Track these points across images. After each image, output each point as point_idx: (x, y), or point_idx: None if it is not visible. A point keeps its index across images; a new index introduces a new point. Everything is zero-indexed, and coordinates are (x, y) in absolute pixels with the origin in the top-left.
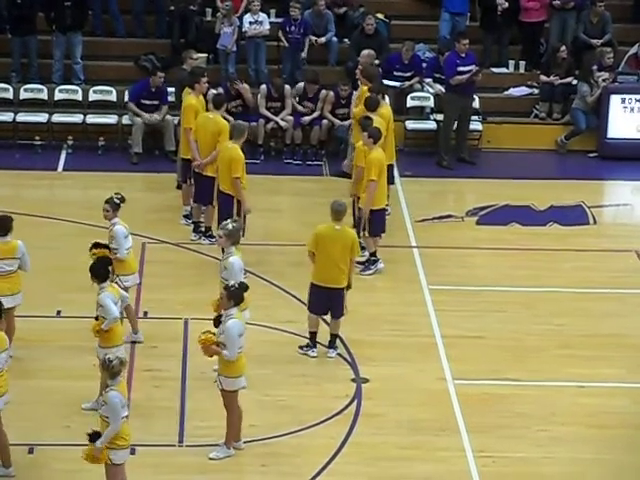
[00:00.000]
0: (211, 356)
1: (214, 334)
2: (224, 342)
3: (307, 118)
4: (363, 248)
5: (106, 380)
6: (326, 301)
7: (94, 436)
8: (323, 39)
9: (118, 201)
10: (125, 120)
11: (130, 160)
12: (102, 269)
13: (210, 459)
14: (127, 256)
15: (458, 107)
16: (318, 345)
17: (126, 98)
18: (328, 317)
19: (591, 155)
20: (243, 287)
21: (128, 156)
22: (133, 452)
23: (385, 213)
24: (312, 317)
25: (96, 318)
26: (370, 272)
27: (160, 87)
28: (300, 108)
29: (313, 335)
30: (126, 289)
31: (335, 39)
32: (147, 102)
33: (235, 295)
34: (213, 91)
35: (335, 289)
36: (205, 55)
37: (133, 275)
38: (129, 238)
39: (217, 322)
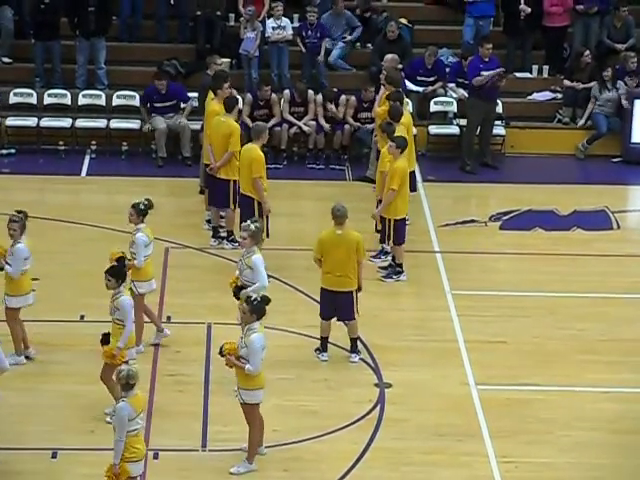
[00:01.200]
0: (231, 367)
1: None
2: (246, 356)
3: (327, 125)
4: (386, 253)
5: (120, 391)
6: (334, 305)
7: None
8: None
9: (143, 207)
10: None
11: (156, 163)
12: (121, 270)
13: (230, 474)
14: (143, 264)
15: (481, 112)
16: (341, 350)
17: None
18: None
19: (615, 160)
20: (265, 300)
21: (152, 160)
22: (156, 457)
23: (406, 222)
24: (323, 322)
25: (103, 340)
26: (392, 280)
27: (171, 88)
28: (322, 121)
29: (324, 340)
30: (141, 295)
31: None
32: (159, 105)
33: (258, 309)
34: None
35: (342, 292)
36: (228, 60)
37: (148, 282)
38: (150, 247)
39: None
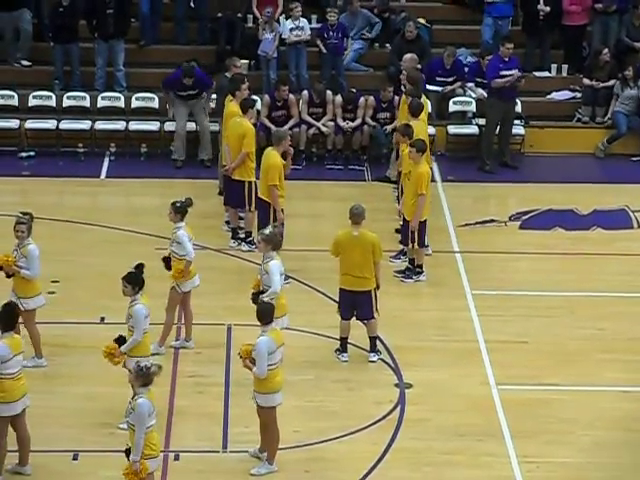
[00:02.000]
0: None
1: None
2: (255, 358)
3: (351, 124)
4: (405, 254)
5: (137, 387)
6: (353, 305)
7: (129, 451)
8: (353, 124)
9: (180, 205)
10: (167, 127)
11: (174, 165)
12: (139, 278)
13: (251, 475)
14: (193, 256)
15: (500, 111)
16: (361, 351)
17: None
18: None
19: (635, 159)
20: (272, 306)
21: (171, 162)
22: (177, 458)
23: (427, 224)
24: (342, 323)
25: (118, 341)
26: (411, 281)
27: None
28: (340, 121)
29: (343, 340)
30: (185, 293)
31: (353, 52)
32: (183, 94)
33: (261, 312)
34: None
35: (360, 292)
36: (246, 61)
37: (190, 280)
38: (192, 243)
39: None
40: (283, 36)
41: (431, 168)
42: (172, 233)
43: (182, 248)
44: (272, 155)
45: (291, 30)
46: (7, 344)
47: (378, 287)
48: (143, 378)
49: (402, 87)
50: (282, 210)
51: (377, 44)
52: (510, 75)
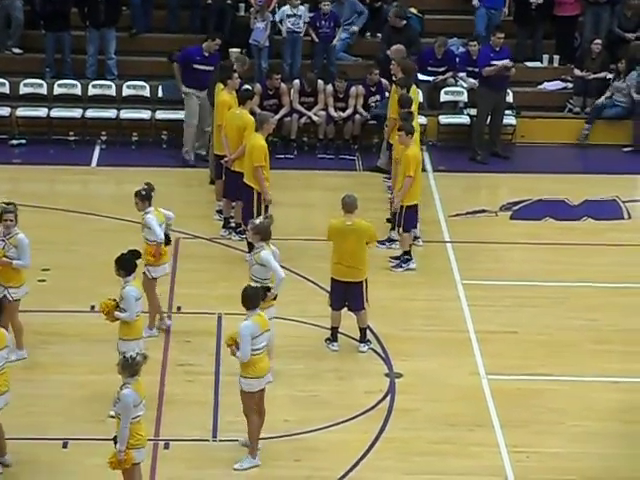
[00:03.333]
0: (233, 355)
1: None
2: (239, 342)
3: (342, 114)
4: (393, 241)
5: (124, 377)
6: (344, 295)
7: (117, 439)
8: (344, 114)
9: (144, 192)
10: (159, 115)
11: (188, 159)
12: (131, 262)
13: (234, 470)
14: (163, 238)
15: (491, 101)
16: (351, 340)
17: (159, 93)
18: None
19: (626, 149)
20: (257, 290)
21: (162, 150)
22: (167, 446)
23: (417, 208)
24: (333, 313)
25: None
26: (401, 270)
27: (214, 54)
28: (332, 111)
29: (334, 330)
30: (154, 279)
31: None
32: (200, 67)
33: (249, 298)
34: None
35: (352, 283)
36: (238, 50)
37: (163, 265)
38: (163, 227)
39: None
40: (281, 24)
41: (422, 158)
42: (142, 218)
43: (151, 233)
44: (256, 137)
45: (288, 17)
46: None
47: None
48: (129, 368)
49: (392, 77)
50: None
51: (368, 34)
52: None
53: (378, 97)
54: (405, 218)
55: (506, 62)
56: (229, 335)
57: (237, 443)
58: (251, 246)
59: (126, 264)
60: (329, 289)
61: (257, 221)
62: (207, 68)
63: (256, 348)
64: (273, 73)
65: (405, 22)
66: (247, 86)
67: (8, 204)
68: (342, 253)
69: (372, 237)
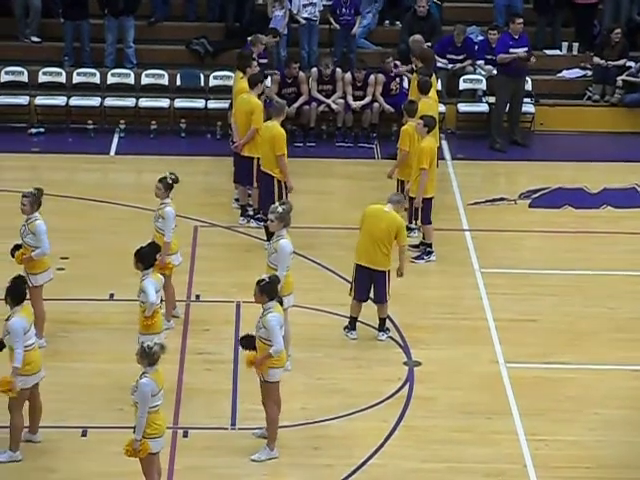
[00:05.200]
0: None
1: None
2: (266, 337)
3: (359, 103)
4: (410, 229)
5: (143, 367)
6: (368, 284)
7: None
8: (362, 103)
9: (171, 181)
10: (177, 103)
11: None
12: (150, 255)
13: (252, 460)
14: (172, 239)
15: (509, 89)
16: (370, 329)
17: (178, 81)
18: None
19: None
20: (274, 281)
21: (181, 138)
22: (186, 435)
23: (432, 201)
24: (354, 302)
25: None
26: (423, 262)
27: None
28: (350, 100)
29: (353, 319)
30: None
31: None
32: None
33: (266, 289)
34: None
35: (377, 271)
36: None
37: (174, 255)
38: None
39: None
40: (295, 12)
41: (440, 146)
42: (158, 209)
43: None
44: (274, 126)
45: (304, 6)
46: (24, 315)
47: (401, 274)
48: (148, 358)
49: (413, 66)
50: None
51: (387, 21)
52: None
53: (398, 82)
54: (423, 210)
55: (521, 52)
56: (247, 357)
57: (253, 435)
58: (269, 234)
59: (146, 257)
60: (351, 278)
61: (280, 209)
62: (263, 61)
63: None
64: (292, 62)
65: (428, 10)
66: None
67: (37, 189)
68: (372, 238)
69: (401, 238)
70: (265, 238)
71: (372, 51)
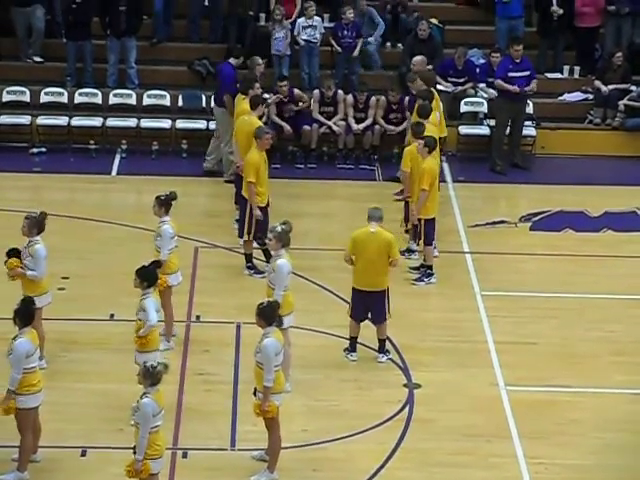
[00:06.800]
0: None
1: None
2: (261, 361)
3: (360, 125)
4: (412, 251)
5: (145, 387)
6: (366, 305)
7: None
8: (372, 39)
9: (164, 198)
10: (179, 124)
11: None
12: (152, 273)
13: None
14: (167, 257)
15: (509, 112)
16: (370, 350)
17: (180, 102)
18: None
19: None
20: (273, 306)
21: (181, 159)
22: (185, 456)
23: (435, 222)
24: (352, 323)
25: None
26: (423, 284)
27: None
28: (352, 122)
29: (353, 340)
30: (169, 287)
31: (374, 45)
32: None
33: (264, 314)
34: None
35: (375, 292)
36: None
37: (175, 275)
38: (174, 239)
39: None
40: (296, 34)
41: (441, 168)
42: (157, 227)
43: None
44: (251, 152)
45: (304, 29)
46: (29, 338)
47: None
48: (151, 378)
49: (409, 89)
50: (266, 207)
51: (389, 43)
52: (520, 77)
53: (399, 115)
54: (425, 231)
55: (514, 88)
56: (256, 405)
57: (252, 458)
58: (268, 255)
59: (149, 276)
60: (350, 299)
61: (279, 228)
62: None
63: (277, 364)
64: (278, 81)
65: (429, 33)
66: (267, 95)
67: (40, 213)
68: (367, 262)
69: (394, 253)
70: (264, 259)
71: (374, 73)
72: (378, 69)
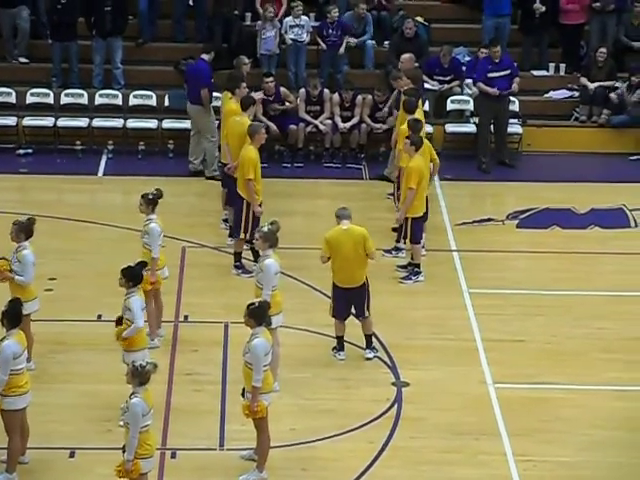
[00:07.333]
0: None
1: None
2: (250, 361)
3: (347, 124)
4: (399, 250)
5: (133, 386)
6: (349, 301)
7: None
8: (355, 40)
9: (152, 197)
10: (165, 124)
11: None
12: (137, 273)
13: None
14: (159, 254)
15: (492, 111)
16: (357, 349)
17: (166, 102)
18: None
19: (633, 157)
20: (264, 306)
21: (167, 159)
22: (174, 456)
23: (423, 220)
24: (337, 322)
25: (118, 322)
26: (410, 282)
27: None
28: (338, 121)
29: (340, 339)
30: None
31: (371, 42)
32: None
33: (254, 314)
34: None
35: (354, 288)
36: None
37: (161, 270)
38: (161, 236)
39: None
40: (286, 34)
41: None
42: (144, 225)
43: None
44: (247, 149)
45: (290, 27)
46: (17, 340)
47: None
48: (139, 377)
49: (394, 88)
50: (260, 204)
51: (374, 42)
52: (500, 77)
53: (386, 110)
54: (412, 230)
55: (494, 91)
56: (245, 406)
57: (241, 457)
58: (256, 255)
59: (134, 275)
60: (332, 298)
61: (265, 229)
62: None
63: (266, 364)
64: (264, 77)
65: (415, 31)
66: (255, 94)
67: (28, 219)
68: (344, 259)
69: (369, 246)
70: (252, 259)
71: (360, 72)
72: (372, 67)
